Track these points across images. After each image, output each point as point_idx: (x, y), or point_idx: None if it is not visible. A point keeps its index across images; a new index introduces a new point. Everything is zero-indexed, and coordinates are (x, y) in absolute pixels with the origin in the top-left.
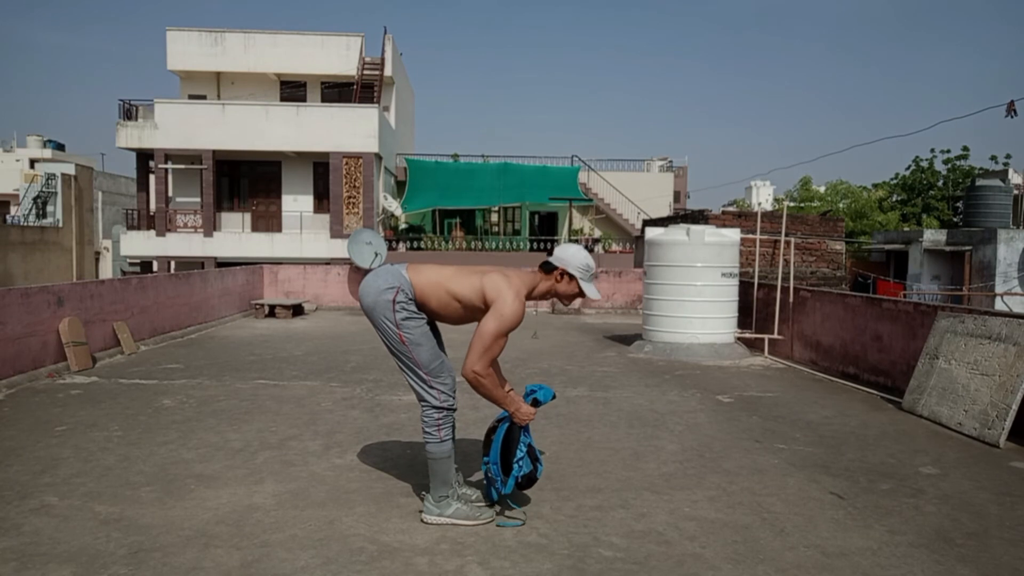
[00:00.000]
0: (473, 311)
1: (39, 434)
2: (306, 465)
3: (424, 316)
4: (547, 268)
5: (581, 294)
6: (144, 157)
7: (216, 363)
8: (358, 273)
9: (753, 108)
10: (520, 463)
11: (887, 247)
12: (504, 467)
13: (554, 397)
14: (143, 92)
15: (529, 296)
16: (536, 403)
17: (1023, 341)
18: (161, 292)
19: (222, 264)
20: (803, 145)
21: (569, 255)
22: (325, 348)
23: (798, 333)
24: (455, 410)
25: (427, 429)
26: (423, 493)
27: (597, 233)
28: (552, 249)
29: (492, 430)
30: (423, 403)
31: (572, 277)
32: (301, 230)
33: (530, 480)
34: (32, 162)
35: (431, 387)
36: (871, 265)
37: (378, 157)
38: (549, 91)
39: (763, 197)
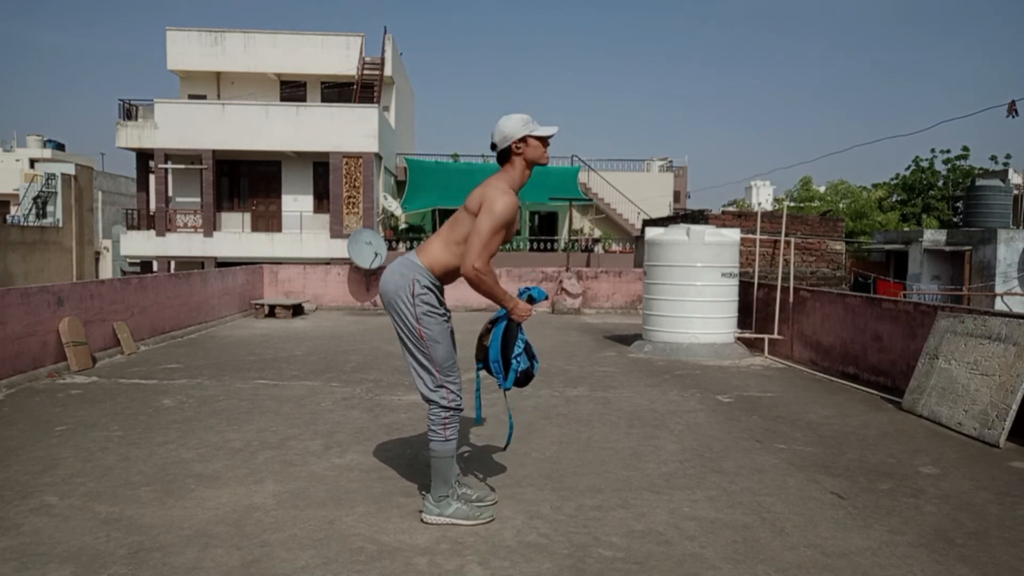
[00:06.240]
0: None
1: (39, 434)
2: (306, 465)
3: (446, 313)
4: (504, 156)
5: (544, 143)
6: (144, 157)
7: (216, 363)
8: (358, 273)
9: (753, 108)
10: (518, 359)
11: (887, 247)
12: (504, 364)
13: (546, 297)
14: (143, 92)
15: (516, 189)
16: (531, 299)
17: (1023, 341)
18: (161, 292)
19: (222, 264)
20: (803, 145)
21: (508, 128)
22: (325, 348)
23: (798, 333)
24: (461, 411)
25: (432, 427)
26: (423, 493)
27: (597, 233)
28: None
29: (487, 332)
30: (431, 403)
31: (525, 139)
32: (301, 230)
33: (527, 376)
34: (32, 162)
35: (441, 386)
36: (871, 265)
37: (378, 157)
38: (549, 91)
39: (763, 197)
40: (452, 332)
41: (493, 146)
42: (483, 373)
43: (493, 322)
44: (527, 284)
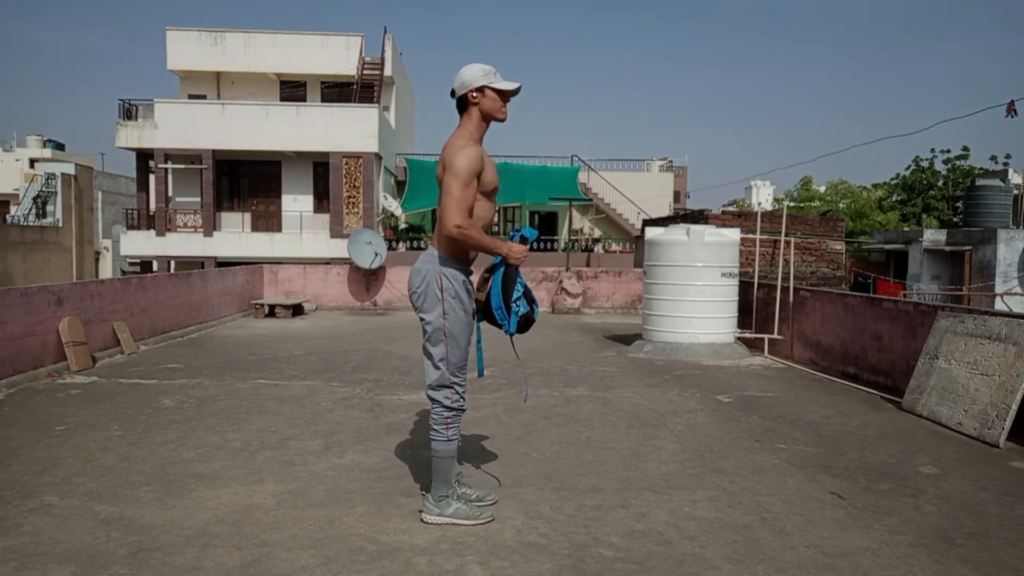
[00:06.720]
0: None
1: (39, 434)
2: (306, 465)
3: (472, 312)
4: (462, 104)
5: (504, 96)
6: (144, 157)
7: (216, 363)
8: (358, 273)
9: (753, 108)
10: (518, 303)
11: (887, 247)
12: (506, 309)
13: (538, 235)
14: (143, 92)
15: (475, 141)
16: (523, 240)
17: (1023, 341)
18: (161, 292)
19: (222, 264)
20: (803, 145)
21: (467, 75)
22: (325, 348)
23: (798, 333)
24: (464, 411)
25: (435, 427)
26: (423, 492)
27: (597, 233)
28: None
29: (484, 281)
30: (434, 402)
31: (483, 90)
32: (301, 230)
33: (528, 321)
34: (32, 162)
35: (447, 385)
36: (871, 265)
37: (378, 157)
38: (549, 91)
39: (763, 197)
40: (470, 334)
41: (452, 93)
42: (484, 325)
43: (490, 271)
44: (526, 279)
